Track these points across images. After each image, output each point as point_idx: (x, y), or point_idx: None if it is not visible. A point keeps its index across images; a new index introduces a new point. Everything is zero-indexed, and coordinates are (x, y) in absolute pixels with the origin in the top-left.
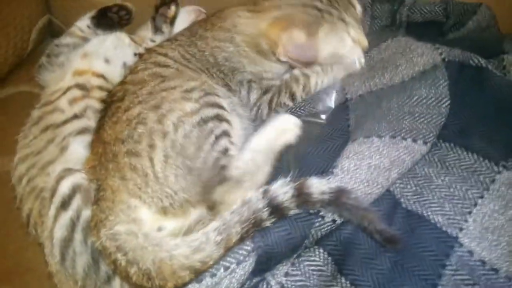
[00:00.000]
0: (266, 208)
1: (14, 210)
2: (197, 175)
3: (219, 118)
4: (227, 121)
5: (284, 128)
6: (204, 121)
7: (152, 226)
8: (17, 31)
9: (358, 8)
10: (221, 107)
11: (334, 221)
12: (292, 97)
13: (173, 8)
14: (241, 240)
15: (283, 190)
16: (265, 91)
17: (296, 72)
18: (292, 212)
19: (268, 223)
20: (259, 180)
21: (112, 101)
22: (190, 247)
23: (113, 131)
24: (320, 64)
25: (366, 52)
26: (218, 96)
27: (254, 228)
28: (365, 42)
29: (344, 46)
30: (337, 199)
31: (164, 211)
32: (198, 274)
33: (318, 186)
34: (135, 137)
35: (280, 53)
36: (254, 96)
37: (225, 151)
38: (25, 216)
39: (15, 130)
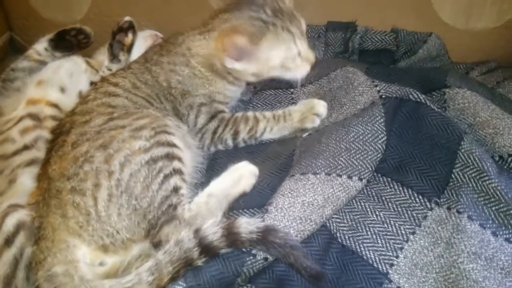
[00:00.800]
0: (196, 248)
1: None
2: (143, 214)
3: (169, 157)
4: (179, 158)
5: (241, 176)
6: (154, 160)
7: (93, 262)
8: None
9: (303, 22)
10: (172, 145)
11: (266, 259)
12: (235, 136)
13: (130, 36)
14: (173, 279)
15: (213, 230)
16: (213, 116)
17: (249, 113)
18: (223, 251)
19: (199, 262)
20: (207, 220)
21: (60, 133)
22: (128, 284)
23: (59, 166)
24: (270, 76)
25: (317, 79)
26: (169, 133)
27: (185, 267)
28: (311, 55)
29: (291, 57)
30: (264, 237)
31: (104, 248)
32: None
33: (246, 226)
34: (80, 175)
35: (226, 59)
36: (201, 121)
37: (176, 190)
38: None
39: None
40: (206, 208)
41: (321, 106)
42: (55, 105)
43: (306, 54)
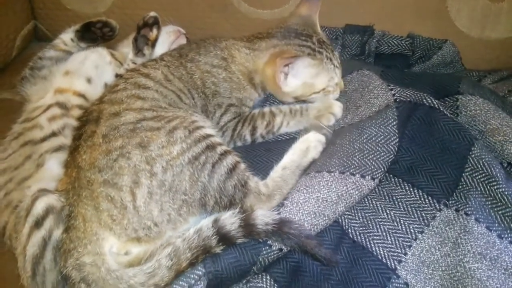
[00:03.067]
0: (215, 236)
1: None
2: (200, 204)
3: (209, 147)
4: (220, 143)
5: (309, 146)
6: (195, 157)
7: (119, 251)
8: (2, 38)
9: (336, 54)
10: (208, 135)
11: (280, 249)
12: (253, 131)
13: (155, 31)
14: (191, 265)
15: (230, 220)
16: (236, 116)
17: (266, 108)
18: (240, 241)
19: (217, 250)
20: (287, 192)
21: (87, 120)
22: (145, 274)
23: (89, 156)
24: (312, 98)
25: None
26: (201, 127)
27: (203, 254)
28: (342, 83)
29: (332, 84)
30: (280, 229)
31: (137, 240)
32: None
33: (262, 218)
34: (115, 169)
35: (278, 79)
36: (225, 119)
37: (233, 168)
38: (0, 227)
39: None
40: (281, 180)
41: (337, 107)
42: (82, 95)
43: (339, 82)
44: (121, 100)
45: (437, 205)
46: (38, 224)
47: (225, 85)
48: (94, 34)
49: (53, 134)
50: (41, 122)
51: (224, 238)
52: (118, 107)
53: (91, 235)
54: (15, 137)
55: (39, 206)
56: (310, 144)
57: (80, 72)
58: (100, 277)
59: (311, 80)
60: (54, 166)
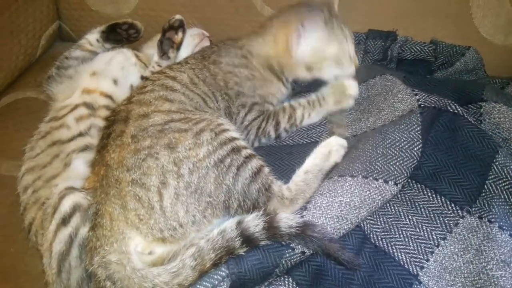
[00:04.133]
0: (238, 238)
1: (16, 213)
2: (224, 206)
3: (235, 150)
4: (245, 147)
5: (331, 150)
6: (220, 160)
7: (144, 250)
8: (28, 38)
9: (349, 29)
10: (233, 139)
11: (303, 252)
12: (277, 127)
13: (180, 34)
14: (215, 265)
15: (254, 222)
16: (260, 115)
17: (285, 104)
18: (263, 243)
19: (241, 251)
20: (309, 195)
21: (115, 120)
22: (170, 273)
23: (118, 155)
24: (322, 71)
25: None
26: (226, 130)
27: (227, 255)
28: (356, 59)
29: (344, 54)
30: (303, 232)
31: (162, 240)
32: None
33: (286, 221)
34: (143, 169)
35: (290, 40)
36: (249, 118)
37: (258, 172)
38: (27, 223)
39: (21, 134)
40: (304, 184)
41: (352, 87)
42: (109, 96)
43: (354, 56)
44: (149, 102)
45: (460, 212)
46: (65, 221)
47: (248, 84)
48: (119, 35)
49: (80, 134)
50: (68, 122)
51: (247, 240)
52: (146, 108)
53: (117, 234)
54: (42, 136)
55: (66, 204)
56: (332, 148)
57: (106, 73)
58: (125, 276)
59: (323, 45)
60: (80, 165)
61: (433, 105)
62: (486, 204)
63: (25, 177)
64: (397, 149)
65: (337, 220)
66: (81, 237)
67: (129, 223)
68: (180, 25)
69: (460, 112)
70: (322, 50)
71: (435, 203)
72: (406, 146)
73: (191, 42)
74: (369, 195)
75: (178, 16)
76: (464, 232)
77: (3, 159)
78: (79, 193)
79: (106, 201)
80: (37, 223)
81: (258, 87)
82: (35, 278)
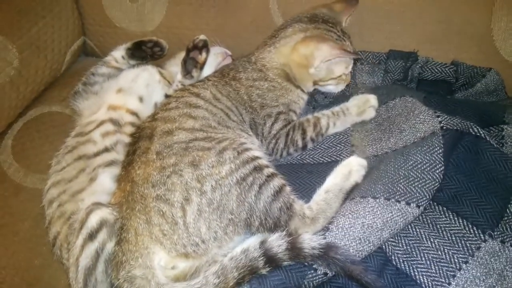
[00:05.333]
0: (262, 258)
1: (40, 226)
2: (245, 224)
3: (257, 169)
4: (267, 166)
5: (352, 170)
6: (243, 178)
7: (167, 265)
8: (54, 53)
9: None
10: (256, 158)
11: (325, 274)
12: (304, 135)
13: (204, 54)
14: (238, 284)
15: (278, 243)
16: (287, 124)
17: (309, 115)
18: (286, 263)
19: (264, 271)
20: (330, 215)
21: (140, 137)
22: None
23: (143, 172)
24: (323, 86)
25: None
26: (249, 150)
27: (250, 274)
28: (349, 77)
29: (347, 73)
30: (326, 254)
31: (185, 256)
32: None
33: (309, 242)
34: (167, 185)
35: (314, 62)
36: (276, 127)
37: (279, 191)
38: (52, 237)
39: (46, 148)
40: (325, 203)
41: (373, 99)
42: (135, 113)
43: (349, 74)
44: (174, 119)
45: (482, 235)
46: (92, 236)
47: (271, 95)
48: (144, 52)
49: (106, 150)
50: (94, 137)
51: (270, 259)
52: (171, 125)
53: (142, 249)
54: (69, 150)
55: (93, 219)
56: (352, 168)
57: (132, 91)
58: None
59: (334, 66)
60: (106, 180)
61: (455, 128)
62: (508, 228)
63: (50, 190)
64: (419, 171)
65: (359, 241)
66: (108, 252)
67: (153, 238)
68: (204, 45)
69: (482, 135)
70: (331, 71)
71: (457, 226)
72: (428, 168)
73: (214, 60)
74: (391, 217)
75: (202, 36)
76: (487, 256)
77: (28, 172)
78: (106, 209)
79: (131, 216)
80: (62, 237)
81: (280, 97)
82: None
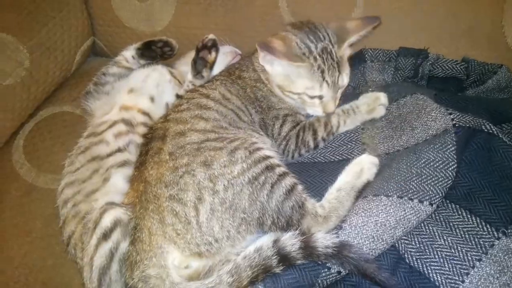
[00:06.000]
0: (275, 257)
1: (53, 226)
2: (258, 223)
3: (269, 168)
4: (278, 164)
5: (363, 168)
6: (255, 178)
7: (180, 265)
8: (64, 54)
9: (345, 76)
10: (267, 157)
11: (339, 272)
12: (315, 136)
13: (213, 54)
14: (251, 283)
15: (291, 242)
16: (296, 125)
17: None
18: (299, 262)
19: (277, 270)
20: (343, 213)
21: (153, 138)
22: None
23: (156, 172)
24: (288, 97)
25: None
26: (260, 149)
27: (264, 273)
28: (331, 107)
29: (310, 95)
30: (340, 252)
31: (198, 255)
32: None
33: (322, 240)
34: (180, 185)
35: (261, 55)
36: (285, 129)
37: (291, 189)
38: (66, 236)
39: (57, 149)
40: (337, 201)
41: (384, 97)
42: (147, 114)
43: (326, 102)
44: (186, 120)
45: (495, 233)
46: (106, 236)
47: (272, 98)
48: (154, 52)
49: (119, 150)
50: (107, 138)
51: (284, 258)
52: (183, 126)
53: (156, 248)
54: (82, 151)
55: (107, 219)
56: (364, 166)
57: (143, 91)
58: None
59: (292, 77)
60: (119, 181)
61: (467, 125)
62: None
63: (65, 191)
64: (432, 169)
65: (372, 240)
66: (122, 251)
67: (167, 238)
68: (213, 44)
69: (495, 132)
70: (288, 81)
71: (470, 224)
72: (441, 166)
73: (224, 60)
74: (404, 215)
75: (211, 36)
76: (500, 254)
77: (40, 172)
78: (120, 209)
79: (145, 216)
80: (77, 236)
81: (281, 100)
82: None
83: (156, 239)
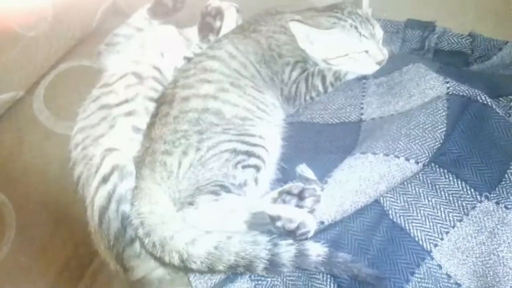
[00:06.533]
0: (265, 261)
1: (67, 167)
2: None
3: (248, 154)
4: (258, 156)
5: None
6: (236, 152)
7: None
8: (85, 11)
9: (377, 27)
10: (253, 144)
11: (322, 222)
12: (324, 80)
13: (218, 22)
14: (228, 268)
15: (286, 248)
16: (304, 70)
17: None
18: (285, 270)
19: (258, 273)
20: None
21: (163, 102)
22: (189, 237)
23: (160, 131)
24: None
25: (389, 72)
26: (253, 135)
27: (244, 269)
28: (379, 55)
29: (356, 51)
30: (330, 259)
31: (174, 202)
32: (184, 262)
33: (314, 250)
34: (175, 143)
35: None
36: (295, 74)
37: (244, 184)
38: (76, 177)
39: (74, 99)
40: None
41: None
42: (157, 68)
43: (374, 53)
44: (192, 85)
45: (478, 196)
46: (105, 179)
47: (287, 47)
48: (166, 7)
49: (126, 101)
50: (117, 88)
51: (273, 264)
52: (188, 91)
53: (146, 189)
54: (93, 100)
55: (106, 164)
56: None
57: (154, 46)
58: (152, 222)
59: (333, 44)
60: (124, 128)
61: (461, 94)
62: (504, 192)
63: (77, 135)
64: (421, 130)
65: (355, 193)
66: (119, 193)
67: (153, 181)
68: (217, 12)
69: (489, 103)
70: (332, 51)
71: (455, 187)
72: (429, 128)
73: (230, 15)
74: (389, 171)
75: (214, 3)
76: (480, 215)
77: (58, 119)
78: (117, 153)
79: (142, 166)
80: (84, 177)
81: (298, 48)
82: (83, 227)
83: (145, 182)
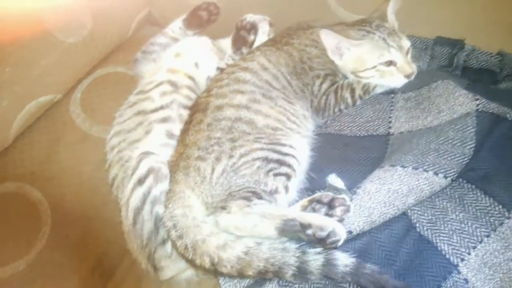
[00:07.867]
0: (294, 268)
1: (101, 170)
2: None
3: (279, 163)
4: (289, 165)
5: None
6: (267, 160)
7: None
8: (121, 20)
9: (404, 39)
10: (285, 154)
11: (350, 232)
12: (353, 93)
13: (252, 36)
14: (257, 274)
15: (314, 256)
16: (334, 83)
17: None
18: (313, 278)
19: (287, 279)
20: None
21: (197, 110)
22: (220, 242)
23: (194, 137)
24: (367, 76)
25: (418, 87)
26: (283, 145)
27: (273, 275)
28: (407, 68)
29: (384, 63)
30: (357, 270)
31: (206, 206)
32: (215, 265)
33: (342, 260)
34: (209, 150)
35: (328, 53)
36: (325, 86)
37: (275, 191)
38: (111, 178)
39: (110, 104)
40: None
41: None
42: (192, 78)
43: (402, 66)
44: (225, 95)
45: (506, 213)
46: (140, 181)
47: (318, 60)
48: (201, 18)
49: (162, 107)
50: (153, 95)
51: (301, 271)
52: (222, 100)
53: (179, 193)
54: (130, 105)
55: (143, 167)
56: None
57: (189, 56)
58: (185, 225)
59: (362, 56)
60: (159, 134)
61: (491, 111)
62: None
63: (113, 139)
64: (450, 146)
65: (384, 205)
66: (153, 195)
67: (187, 186)
68: (252, 27)
69: None
70: (360, 62)
71: (483, 203)
72: (458, 144)
73: (263, 28)
74: (418, 184)
75: (249, 18)
76: (508, 232)
77: (93, 123)
78: (154, 157)
79: (176, 170)
80: (119, 179)
81: (328, 62)
82: (115, 227)
83: (179, 186)
